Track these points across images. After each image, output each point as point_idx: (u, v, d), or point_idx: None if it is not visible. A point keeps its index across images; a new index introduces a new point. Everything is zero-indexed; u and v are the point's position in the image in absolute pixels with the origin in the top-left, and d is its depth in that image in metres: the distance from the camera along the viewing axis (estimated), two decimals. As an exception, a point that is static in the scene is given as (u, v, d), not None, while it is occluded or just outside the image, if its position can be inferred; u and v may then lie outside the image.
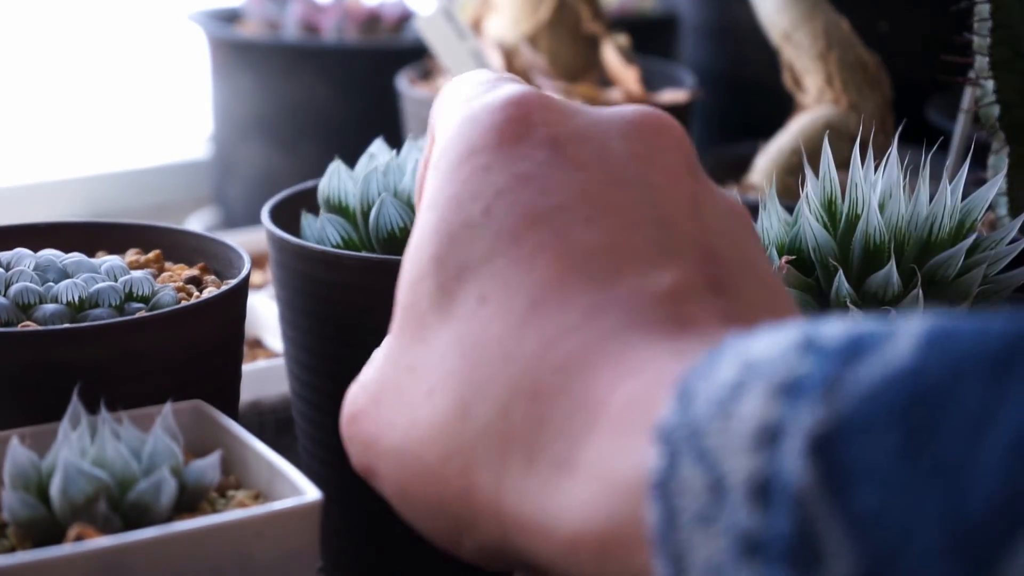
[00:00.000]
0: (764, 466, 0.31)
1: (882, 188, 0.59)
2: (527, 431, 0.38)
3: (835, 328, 0.32)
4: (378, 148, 0.67)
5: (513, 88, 0.44)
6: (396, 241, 0.62)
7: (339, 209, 0.65)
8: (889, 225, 0.57)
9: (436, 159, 0.43)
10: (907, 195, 0.58)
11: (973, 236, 0.58)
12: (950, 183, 0.59)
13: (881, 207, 0.58)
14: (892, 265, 0.56)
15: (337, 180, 0.65)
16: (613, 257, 0.40)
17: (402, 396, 0.41)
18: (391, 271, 0.58)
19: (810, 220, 0.58)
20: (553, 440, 0.37)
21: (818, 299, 0.58)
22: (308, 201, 0.68)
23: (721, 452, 0.32)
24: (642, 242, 0.40)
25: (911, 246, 0.58)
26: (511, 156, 0.41)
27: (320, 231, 0.64)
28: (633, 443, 0.35)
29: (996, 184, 0.59)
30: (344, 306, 0.61)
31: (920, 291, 0.56)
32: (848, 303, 0.57)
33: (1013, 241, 0.59)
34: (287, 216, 0.66)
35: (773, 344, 0.33)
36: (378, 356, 0.44)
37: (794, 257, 0.58)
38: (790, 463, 0.30)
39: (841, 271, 0.57)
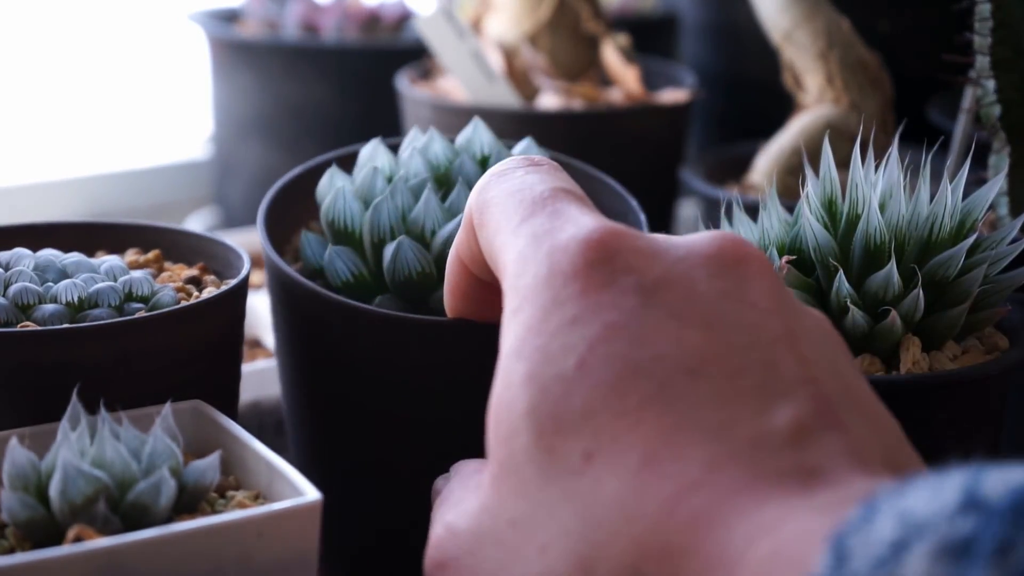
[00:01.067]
0: None
1: (882, 188, 0.59)
2: None
3: (998, 482, 0.32)
4: (375, 150, 0.65)
5: (585, 224, 0.43)
6: (413, 284, 0.60)
7: (345, 235, 0.62)
8: (889, 225, 0.57)
9: (515, 306, 0.43)
10: (907, 195, 0.58)
11: (974, 236, 0.58)
12: (951, 183, 0.59)
13: (881, 207, 0.58)
14: (892, 265, 0.56)
15: (342, 203, 0.61)
16: (723, 406, 0.39)
17: (506, 551, 0.42)
18: (411, 328, 0.57)
19: (810, 220, 0.58)
20: None
21: (818, 299, 0.58)
22: (300, 195, 0.66)
23: None
24: (749, 388, 0.40)
25: (912, 246, 0.58)
26: (599, 305, 0.41)
27: (328, 264, 0.61)
28: None
29: (997, 184, 0.59)
30: (359, 355, 0.60)
31: (920, 291, 0.56)
32: (848, 303, 0.57)
33: (1014, 241, 0.59)
34: (279, 212, 0.65)
35: (933, 499, 0.32)
36: (470, 504, 0.44)
37: (795, 257, 0.58)
38: None
39: (841, 271, 0.56)
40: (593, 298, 0.41)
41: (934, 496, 0.32)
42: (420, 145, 0.65)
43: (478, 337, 0.53)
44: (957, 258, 0.57)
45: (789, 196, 0.88)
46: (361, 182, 0.63)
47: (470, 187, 0.61)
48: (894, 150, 0.59)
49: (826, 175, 0.60)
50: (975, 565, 0.30)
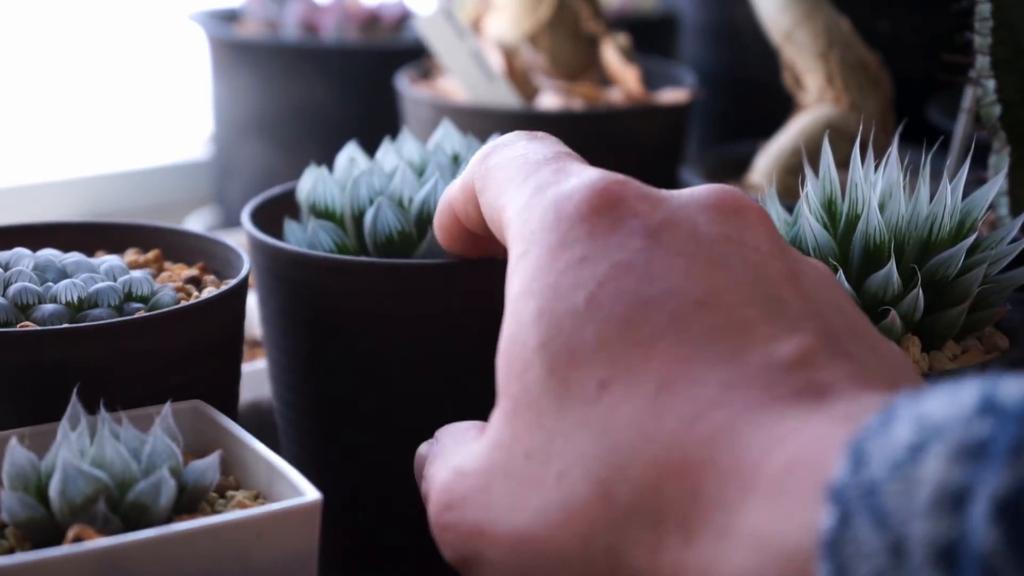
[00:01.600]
0: (949, 530, 0.31)
1: (882, 188, 0.59)
2: (681, 505, 0.39)
3: (1015, 387, 0.33)
4: (354, 151, 0.68)
5: (589, 175, 0.45)
6: (394, 245, 0.62)
7: (326, 215, 0.64)
8: (889, 225, 0.57)
9: (521, 251, 0.44)
10: (907, 195, 0.58)
11: (973, 236, 0.58)
12: (951, 183, 0.59)
13: (881, 207, 0.58)
14: (892, 265, 0.56)
15: (322, 186, 0.64)
16: (733, 335, 0.41)
17: (520, 482, 0.42)
18: (398, 274, 0.58)
19: (810, 220, 0.58)
20: (709, 510, 0.38)
21: None
22: (280, 205, 0.68)
23: (901, 514, 0.32)
24: (757, 318, 0.41)
25: (911, 246, 0.58)
26: (606, 246, 0.43)
27: (311, 237, 0.64)
28: (797, 507, 0.35)
29: (997, 183, 0.59)
30: (345, 312, 0.61)
31: (920, 291, 0.56)
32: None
33: (1014, 241, 0.59)
34: (262, 221, 0.66)
35: (951, 404, 0.33)
36: (478, 447, 0.44)
37: None
38: (977, 528, 0.31)
39: (841, 271, 0.56)
40: (600, 240, 0.43)
41: (951, 402, 0.33)
42: (394, 144, 0.68)
43: (464, 279, 0.58)
44: (957, 258, 0.57)
45: (789, 196, 0.88)
46: (339, 169, 0.66)
47: (444, 178, 0.64)
48: (894, 150, 0.59)
49: (826, 175, 0.60)
50: (991, 465, 0.31)
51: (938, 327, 0.57)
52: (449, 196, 0.52)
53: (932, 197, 0.59)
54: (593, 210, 0.43)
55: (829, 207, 0.60)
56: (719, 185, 0.45)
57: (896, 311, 0.56)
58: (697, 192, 0.45)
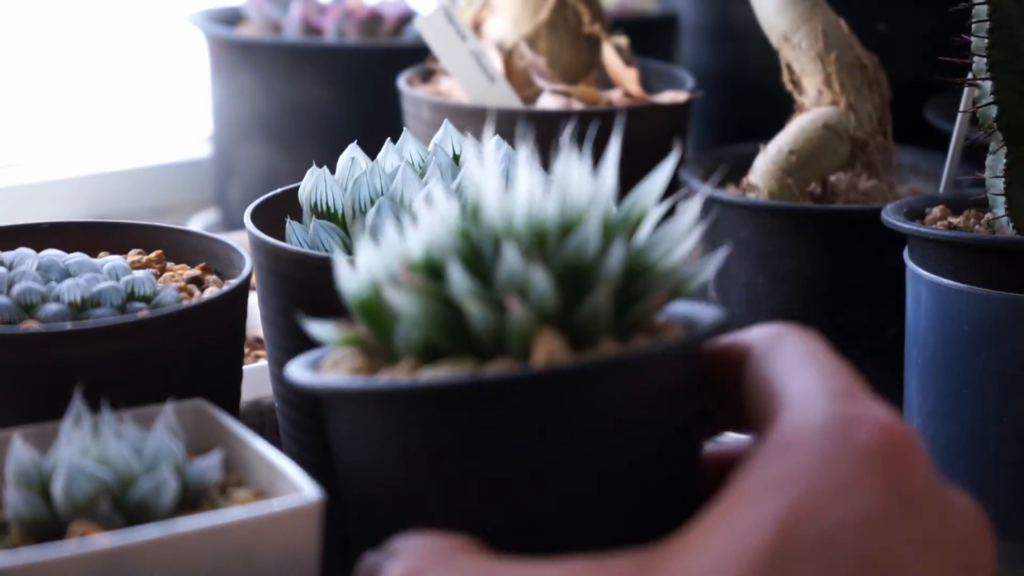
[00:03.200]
0: None
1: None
2: None
3: None
4: (355, 152, 0.67)
5: (885, 412, 0.45)
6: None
7: (327, 215, 0.64)
8: (529, 221, 0.48)
9: (786, 442, 0.44)
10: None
11: (599, 214, 0.48)
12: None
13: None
14: (509, 248, 0.46)
15: (324, 186, 0.64)
16: None
17: None
18: None
19: (430, 220, 0.49)
20: None
21: (446, 308, 0.48)
22: (282, 206, 0.68)
23: None
24: None
25: (551, 237, 0.48)
26: (865, 493, 0.43)
27: (312, 237, 0.64)
28: None
29: (664, 174, 0.50)
30: (345, 312, 0.61)
31: (544, 269, 0.46)
32: (465, 297, 0.47)
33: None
34: (263, 221, 0.66)
35: None
36: None
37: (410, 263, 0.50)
38: None
39: (455, 263, 0.47)
40: (864, 484, 0.43)
41: None
42: (395, 145, 0.68)
43: None
44: (589, 236, 0.47)
45: (787, 197, 0.89)
46: (341, 169, 0.66)
47: (444, 178, 0.63)
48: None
49: (471, 172, 0.50)
50: None
51: (583, 320, 0.47)
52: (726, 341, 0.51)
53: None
54: (874, 452, 0.44)
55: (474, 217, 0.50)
56: (976, 506, 0.46)
57: (524, 300, 0.46)
58: (963, 505, 0.46)
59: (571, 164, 0.49)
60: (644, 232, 0.49)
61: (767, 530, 0.42)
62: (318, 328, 0.50)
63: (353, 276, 0.50)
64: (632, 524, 0.47)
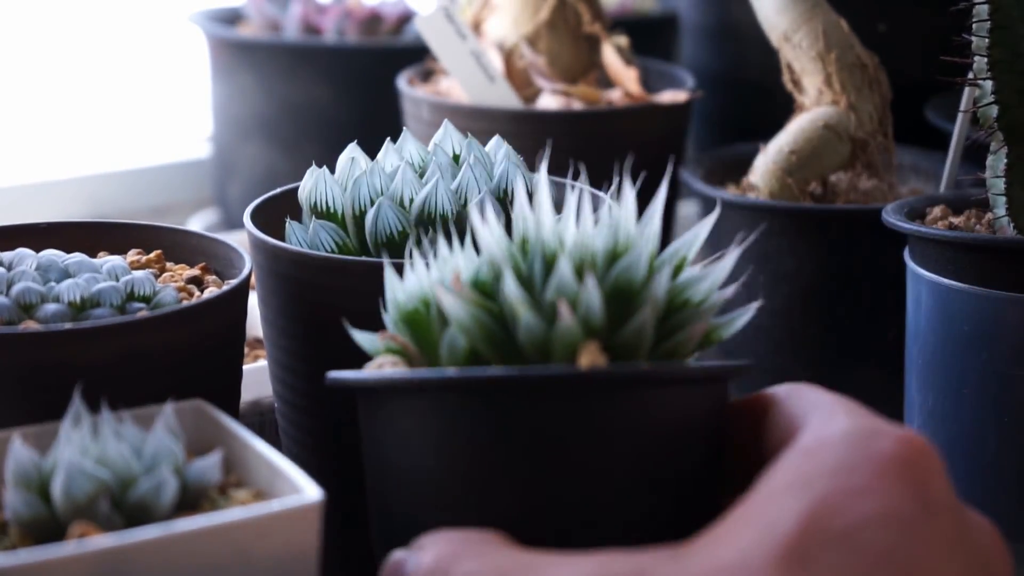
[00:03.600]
0: None
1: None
2: None
3: None
4: (355, 151, 0.67)
5: (907, 431, 0.46)
6: (395, 244, 0.62)
7: (327, 215, 0.65)
8: (577, 248, 0.50)
9: (812, 445, 0.46)
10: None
11: (653, 244, 0.51)
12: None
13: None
14: (564, 261, 0.49)
15: (324, 186, 0.65)
16: None
17: None
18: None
19: (486, 238, 0.51)
20: None
21: (495, 320, 0.50)
22: (281, 206, 0.68)
23: None
24: None
25: (598, 261, 0.51)
26: (887, 493, 0.44)
27: (312, 237, 0.64)
28: None
29: (706, 226, 0.53)
30: (345, 312, 0.61)
31: (594, 285, 0.48)
32: (516, 305, 0.48)
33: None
34: (263, 221, 0.66)
35: None
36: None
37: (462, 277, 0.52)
38: None
39: (509, 271, 0.49)
40: (887, 485, 0.44)
41: None
42: (395, 145, 0.68)
43: None
44: (638, 261, 0.50)
45: (788, 197, 0.89)
46: (340, 169, 0.66)
47: (444, 178, 0.64)
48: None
49: (520, 206, 0.52)
50: None
51: (627, 340, 0.49)
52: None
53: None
54: (897, 458, 0.45)
55: (522, 245, 0.52)
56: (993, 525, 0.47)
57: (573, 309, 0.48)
58: (978, 516, 0.47)
59: (622, 201, 0.52)
60: (686, 273, 0.52)
61: (792, 523, 0.43)
62: (362, 337, 0.53)
63: (401, 287, 0.52)
64: (655, 530, 0.48)
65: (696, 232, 0.53)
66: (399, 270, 0.55)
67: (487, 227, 0.51)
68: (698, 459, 0.50)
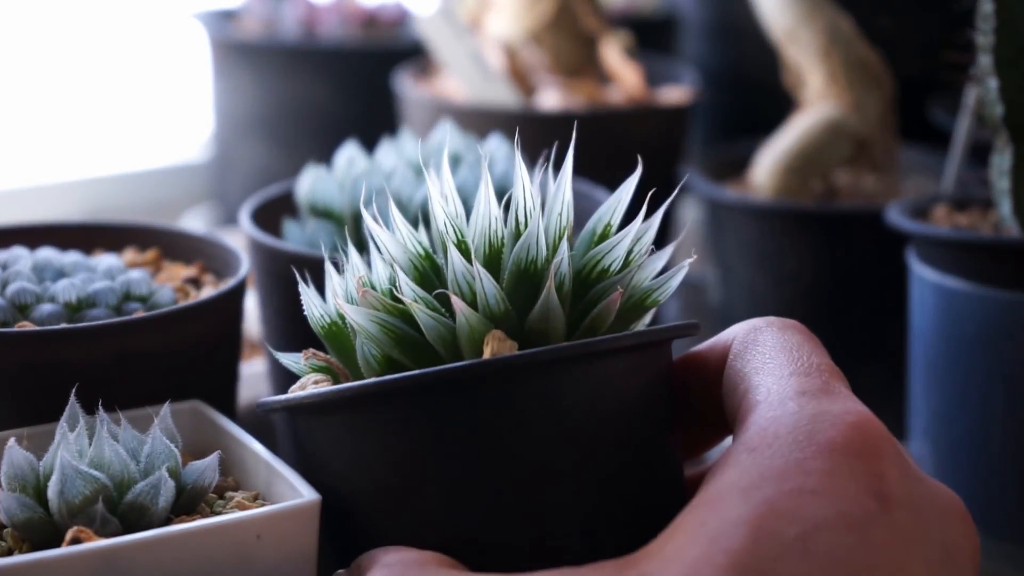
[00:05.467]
0: None
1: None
2: None
3: None
4: (353, 150, 0.67)
5: (857, 409, 0.44)
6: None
7: (326, 214, 0.64)
8: (483, 229, 0.48)
9: (755, 443, 0.43)
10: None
11: (539, 215, 0.47)
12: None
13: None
14: (451, 248, 0.47)
15: (322, 185, 0.64)
16: None
17: None
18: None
19: (383, 237, 0.49)
20: None
21: (403, 324, 0.48)
22: (279, 205, 0.68)
23: None
24: None
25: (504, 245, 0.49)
26: (840, 492, 0.42)
27: (310, 237, 0.63)
28: None
29: (627, 189, 0.49)
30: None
31: (480, 270, 0.46)
32: (420, 303, 0.47)
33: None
34: (260, 220, 0.65)
35: None
36: None
37: (366, 282, 0.50)
38: None
39: (401, 271, 0.48)
40: (838, 483, 0.42)
41: None
42: (393, 143, 0.68)
43: None
44: (533, 237, 0.47)
45: (790, 195, 0.88)
46: (339, 169, 0.66)
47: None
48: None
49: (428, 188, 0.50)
50: None
51: (538, 324, 0.47)
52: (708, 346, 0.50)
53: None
54: (847, 449, 0.43)
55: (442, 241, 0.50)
56: (965, 512, 0.45)
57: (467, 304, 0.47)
58: (948, 496, 0.45)
59: (519, 172, 0.48)
60: (602, 244, 0.49)
61: (742, 532, 0.41)
62: (286, 359, 0.51)
63: (318, 304, 0.50)
64: (600, 529, 0.46)
65: (618, 196, 0.50)
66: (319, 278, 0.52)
67: (382, 228, 0.49)
68: (645, 430, 0.47)
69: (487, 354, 0.46)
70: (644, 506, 0.47)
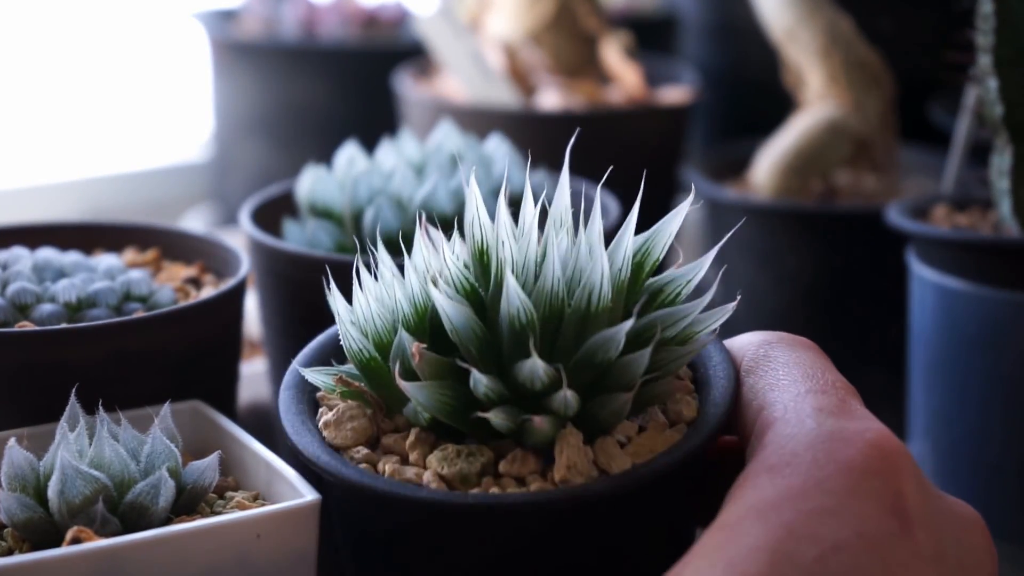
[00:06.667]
0: None
1: (534, 243, 0.47)
2: None
3: None
4: (353, 150, 0.67)
5: (875, 427, 0.44)
6: (392, 243, 0.62)
7: (326, 214, 0.64)
8: (540, 297, 0.46)
9: (773, 462, 0.43)
10: (573, 250, 0.47)
11: (631, 320, 0.45)
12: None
13: (541, 267, 0.47)
14: (535, 358, 0.45)
15: (322, 185, 0.64)
16: None
17: None
18: None
19: (441, 299, 0.46)
20: None
21: (459, 390, 0.47)
22: (278, 204, 0.68)
23: None
24: None
25: (569, 318, 0.47)
26: (859, 512, 0.42)
27: (310, 237, 0.63)
28: None
29: (677, 218, 0.48)
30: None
31: (567, 391, 0.45)
32: (491, 397, 0.46)
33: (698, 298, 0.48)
34: (260, 220, 0.65)
35: None
36: None
37: (424, 346, 0.47)
38: None
39: (475, 369, 0.45)
40: (856, 502, 0.42)
41: None
42: (394, 143, 0.68)
43: None
44: (616, 340, 0.46)
45: (790, 195, 0.88)
46: (339, 169, 0.66)
47: (443, 177, 0.63)
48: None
49: (473, 220, 0.48)
50: None
51: (602, 414, 0.47)
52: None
53: (592, 251, 0.47)
54: (866, 468, 0.43)
55: (481, 258, 0.48)
56: (985, 531, 0.45)
57: (548, 405, 0.46)
58: (967, 516, 0.45)
59: (597, 248, 0.46)
60: (662, 311, 0.48)
61: (760, 557, 0.41)
62: (316, 376, 0.49)
63: (357, 339, 0.48)
64: None
65: (667, 227, 0.49)
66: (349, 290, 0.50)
67: (446, 301, 0.46)
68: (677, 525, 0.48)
69: (560, 462, 0.45)
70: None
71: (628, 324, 0.45)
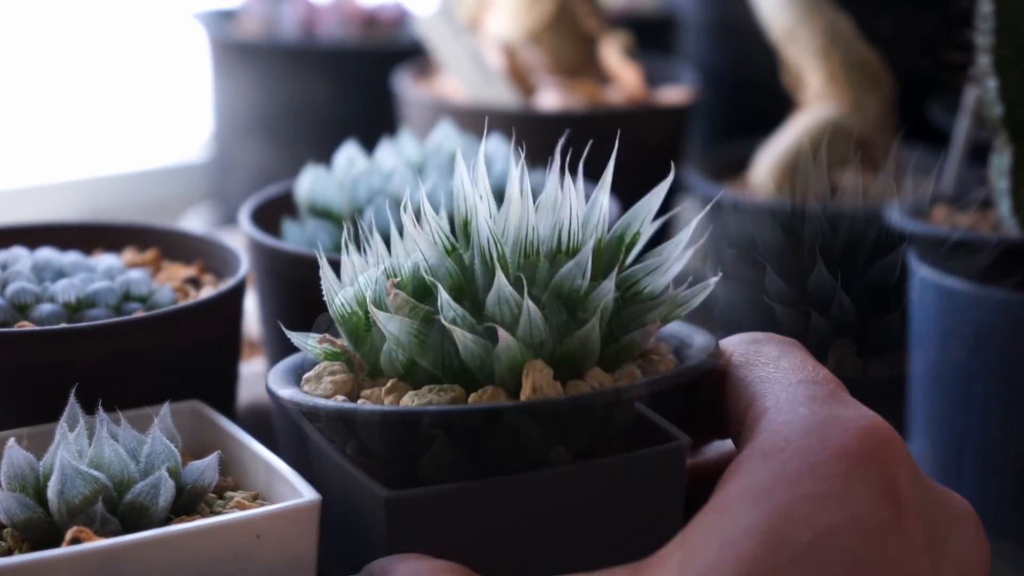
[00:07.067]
0: None
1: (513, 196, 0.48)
2: None
3: None
4: (352, 150, 0.67)
5: (867, 414, 0.44)
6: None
7: (325, 214, 0.64)
8: (516, 238, 0.48)
9: (768, 448, 0.43)
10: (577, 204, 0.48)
11: (591, 243, 0.47)
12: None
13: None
14: (500, 277, 0.46)
15: (321, 185, 0.64)
16: None
17: None
18: None
19: (419, 237, 0.48)
20: None
21: (434, 336, 0.48)
22: (278, 204, 0.68)
23: None
24: None
25: (542, 260, 0.48)
26: (853, 497, 0.42)
27: (310, 237, 0.63)
28: None
29: (657, 195, 0.50)
30: None
31: (529, 305, 0.46)
32: (459, 323, 0.46)
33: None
34: (259, 220, 0.65)
35: None
36: None
37: (398, 280, 0.48)
38: None
39: (441, 286, 0.47)
40: (851, 487, 0.42)
41: None
42: (393, 143, 0.68)
43: None
44: (581, 267, 0.47)
45: (789, 195, 0.88)
46: (338, 168, 0.65)
47: (443, 177, 0.63)
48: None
49: (459, 190, 0.49)
50: None
51: (574, 352, 0.47)
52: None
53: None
54: (860, 454, 0.43)
55: (465, 229, 0.49)
56: (976, 519, 0.45)
57: (515, 337, 0.46)
58: (961, 507, 0.45)
59: (565, 184, 0.48)
60: (635, 254, 0.49)
61: (754, 538, 0.41)
62: (301, 339, 0.50)
63: (338, 287, 0.50)
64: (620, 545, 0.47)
65: (648, 204, 0.50)
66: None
67: (419, 232, 0.48)
68: None
69: (526, 384, 0.46)
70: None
71: (589, 246, 0.47)
